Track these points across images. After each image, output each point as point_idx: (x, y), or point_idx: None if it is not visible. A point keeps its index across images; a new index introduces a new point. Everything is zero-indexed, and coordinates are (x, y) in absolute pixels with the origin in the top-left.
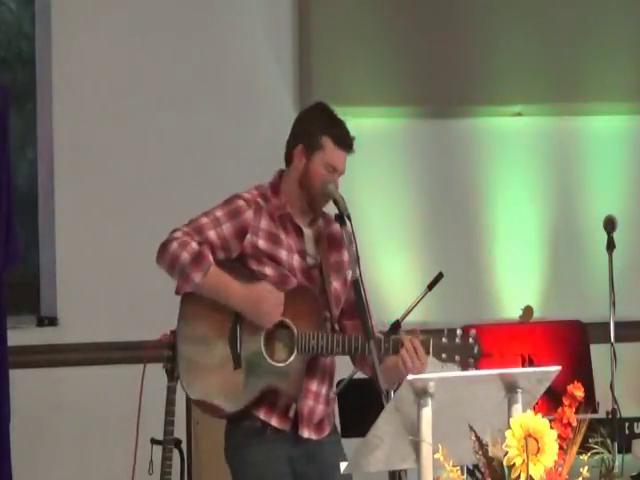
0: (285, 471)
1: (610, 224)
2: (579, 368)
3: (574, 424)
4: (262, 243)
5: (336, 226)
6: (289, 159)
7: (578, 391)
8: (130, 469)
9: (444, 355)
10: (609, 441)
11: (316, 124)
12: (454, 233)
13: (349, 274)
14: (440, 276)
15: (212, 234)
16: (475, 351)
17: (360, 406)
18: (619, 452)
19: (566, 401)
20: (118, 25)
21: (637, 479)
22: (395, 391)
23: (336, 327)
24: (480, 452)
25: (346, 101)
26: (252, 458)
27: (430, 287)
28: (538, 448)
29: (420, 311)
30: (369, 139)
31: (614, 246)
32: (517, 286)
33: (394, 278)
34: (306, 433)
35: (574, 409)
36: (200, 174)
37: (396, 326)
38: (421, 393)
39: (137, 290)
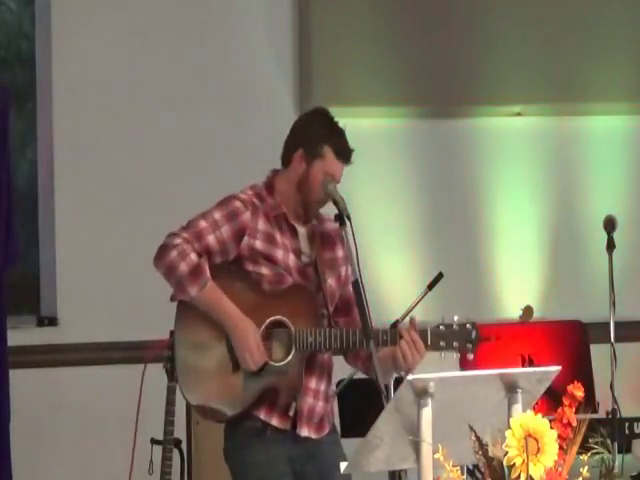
0: (285, 471)
1: (610, 224)
2: (579, 368)
3: (574, 424)
4: (259, 244)
5: (329, 224)
6: (287, 161)
7: (578, 391)
8: (129, 469)
9: (442, 343)
10: (609, 441)
11: (318, 131)
12: (454, 233)
13: (343, 271)
14: (440, 276)
15: (211, 239)
16: (473, 336)
17: (360, 406)
18: (619, 452)
19: (566, 401)
20: (118, 25)
21: (637, 479)
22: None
23: (332, 323)
24: (480, 452)
25: (346, 101)
26: (252, 458)
27: (430, 287)
28: (538, 448)
29: (420, 311)
30: (369, 139)
31: (614, 246)
32: (517, 286)
33: (394, 278)
34: (305, 431)
35: (574, 409)
36: (200, 174)
37: (396, 326)
38: (421, 393)
39: (137, 290)
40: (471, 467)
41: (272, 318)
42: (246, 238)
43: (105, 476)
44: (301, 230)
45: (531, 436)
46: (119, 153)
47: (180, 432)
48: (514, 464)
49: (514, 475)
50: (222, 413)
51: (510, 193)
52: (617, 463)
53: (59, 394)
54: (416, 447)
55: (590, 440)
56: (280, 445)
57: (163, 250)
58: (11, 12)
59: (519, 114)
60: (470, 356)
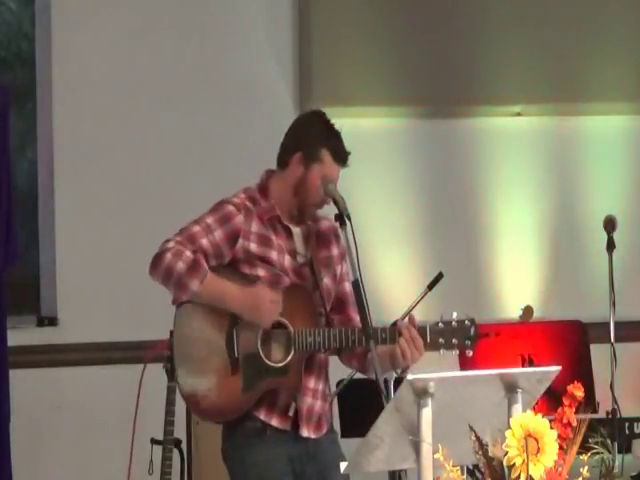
0: (285, 470)
1: (610, 224)
2: (579, 368)
3: (574, 424)
4: (254, 246)
5: (324, 222)
6: (284, 163)
7: (578, 391)
8: (131, 469)
9: (441, 340)
10: (609, 441)
11: (316, 134)
12: (454, 233)
13: (338, 269)
14: (440, 276)
15: (204, 242)
16: (472, 332)
17: (360, 406)
18: (619, 452)
19: (566, 401)
20: (118, 25)
21: (637, 479)
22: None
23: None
24: (480, 452)
25: (346, 101)
26: (252, 458)
27: (430, 287)
28: (538, 448)
29: (420, 311)
30: (369, 139)
31: (614, 246)
32: (517, 286)
33: (394, 278)
34: (305, 432)
35: (574, 409)
36: (200, 174)
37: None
38: (421, 393)
39: (137, 290)
40: (471, 467)
41: None
42: (240, 241)
43: (105, 476)
44: (295, 230)
45: (531, 436)
46: (119, 153)
47: (180, 432)
48: (514, 464)
49: (514, 475)
50: (222, 415)
51: (510, 193)
52: (617, 463)
53: (59, 394)
54: (416, 447)
55: (590, 440)
56: (280, 445)
57: (158, 258)
58: (11, 12)
59: (519, 114)
60: (469, 353)
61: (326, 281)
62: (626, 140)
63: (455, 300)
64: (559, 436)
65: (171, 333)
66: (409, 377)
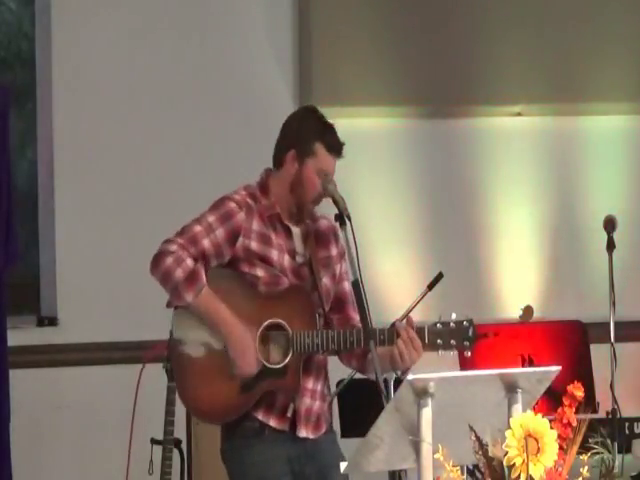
0: (284, 471)
1: (610, 224)
2: (579, 368)
3: (574, 424)
4: (254, 245)
5: (323, 222)
6: (279, 162)
7: (578, 391)
8: (131, 469)
9: (439, 340)
10: (609, 441)
11: (308, 129)
12: (454, 233)
13: (337, 269)
14: (440, 276)
15: (207, 243)
16: (470, 333)
17: (360, 406)
18: (619, 452)
19: (566, 401)
20: (118, 25)
21: (637, 479)
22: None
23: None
24: (480, 452)
25: (346, 101)
26: (251, 459)
27: (430, 287)
28: (538, 448)
29: (420, 311)
30: (369, 139)
31: (614, 246)
32: (517, 286)
33: (394, 278)
34: (304, 432)
35: (574, 409)
36: (200, 174)
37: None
38: (421, 393)
39: (137, 290)
40: (471, 467)
41: (269, 321)
42: (241, 239)
43: (105, 476)
44: (295, 230)
45: (531, 436)
46: (119, 153)
47: (180, 432)
48: (514, 464)
49: (514, 475)
50: (219, 416)
51: (510, 193)
52: (617, 463)
53: (59, 394)
54: (416, 447)
55: (590, 440)
56: (279, 445)
57: (159, 257)
58: (11, 12)
59: (519, 114)
60: (467, 354)
61: (325, 281)
62: (626, 140)
63: (455, 300)
64: (559, 436)
65: (171, 333)
66: (409, 377)
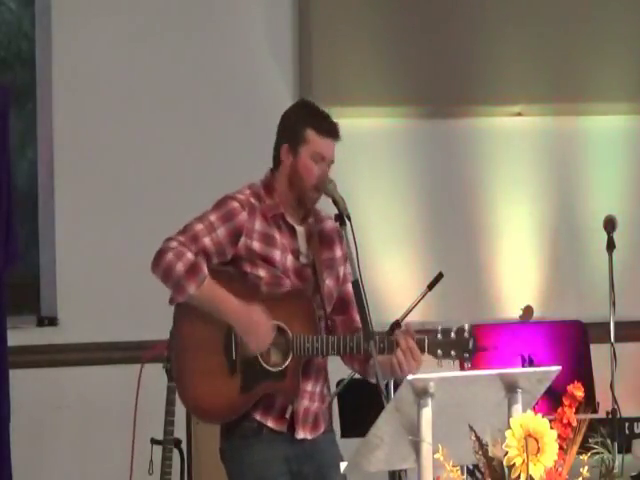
0: (282, 470)
1: (610, 224)
2: (579, 368)
3: (574, 424)
4: (256, 245)
5: (328, 223)
6: (277, 160)
7: (578, 391)
8: (129, 469)
9: (440, 351)
10: (609, 441)
11: (297, 119)
12: (454, 233)
13: (341, 270)
14: (440, 276)
15: (207, 241)
16: (470, 345)
17: (360, 406)
18: (619, 452)
19: (566, 401)
20: (118, 25)
21: (637, 479)
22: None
23: (329, 323)
24: (480, 452)
25: (346, 101)
26: (250, 459)
27: (430, 287)
28: (538, 448)
29: (420, 311)
30: (369, 139)
31: (614, 246)
32: (517, 286)
33: (394, 278)
34: (301, 434)
35: (574, 409)
36: (200, 174)
37: (396, 326)
38: (421, 393)
39: (137, 290)
40: (471, 467)
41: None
42: (243, 239)
43: (105, 476)
44: (299, 229)
45: (531, 436)
46: (119, 153)
47: (180, 432)
48: (514, 464)
49: (514, 475)
50: (218, 416)
51: (510, 193)
52: (617, 463)
53: (59, 394)
54: (416, 447)
55: (590, 440)
56: (276, 446)
57: (159, 255)
58: (11, 12)
59: (519, 114)
60: (468, 365)
61: (328, 282)
62: (626, 140)
63: (455, 300)
64: (559, 436)
65: (171, 333)
66: (409, 377)
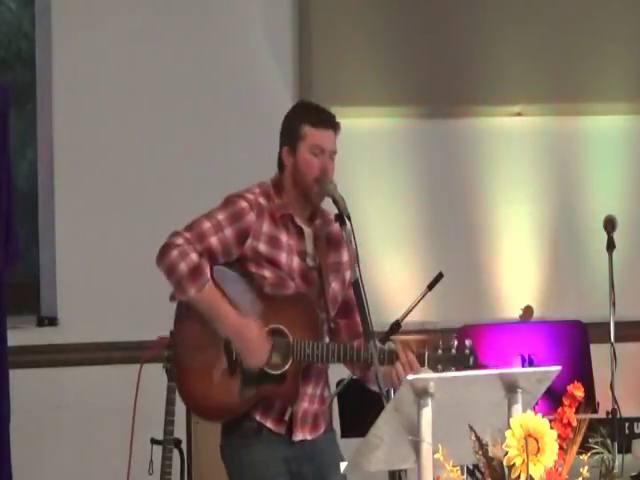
0: (281, 471)
1: (610, 224)
2: (579, 368)
3: (574, 424)
4: (263, 247)
5: (336, 226)
6: (281, 164)
7: (578, 391)
8: (131, 469)
9: (439, 367)
10: (609, 441)
11: (293, 119)
12: (454, 233)
13: (348, 274)
14: (440, 276)
15: (214, 240)
16: (471, 362)
17: (360, 406)
18: (619, 452)
19: (566, 401)
20: (118, 25)
21: (637, 479)
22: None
23: (332, 326)
24: (480, 452)
25: (346, 101)
26: (249, 458)
27: (430, 287)
28: (538, 448)
29: (420, 311)
30: (369, 139)
31: (614, 246)
32: (517, 286)
33: (394, 278)
34: (300, 436)
35: (574, 409)
36: (200, 174)
37: (396, 326)
38: (421, 393)
39: (137, 290)
40: (471, 467)
41: (272, 326)
42: (250, 240)
43: (105, 476)
44: (307, 230)
45: (531, 436)
46: (119, 153)
47: (180, 432)
48: (514, 464)
49: (514, 475)
50: (217, 415)
51: (510, 193)
52: (617, 463)
53: (59, 394)
54: (416, 447)
55: (590, 440)
56: (275, 446)
57: (165, 249)
58: (11, 12)
59: (519, 114)
60: None
61: (334, 286)
62: (626, 140)
63: (455, 300)
64: (559, 436)
65: (171, 333)
66: (409, 377)
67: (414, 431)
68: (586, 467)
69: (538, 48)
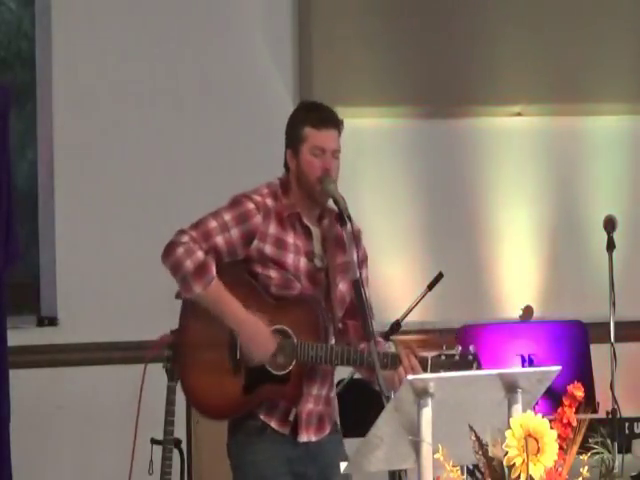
0: (284, 471)
1: (610, 224)
2: (579, 368)
3: (574, 424)
4: (269, 248)
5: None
6: (287, 167)
7: (578, 391)
8: (129, 469)
9: (442, 371)
10: (609, 441)
11: (296, 121)
12: (454, 233)
13: (357, 275)
14: (440, 276)
15: (219, 240)
16: (474, 368)
17: (360, 406)
18: (619, 452)
19: (566, 401)
20: (118, 25)
21: (637, 479)
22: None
23: (340, 327)
24: (480, 452)
25: (346, 101)
26: (253, 457)
27: (430, 287)
28: (538, 448)
29: (420, 311)
30: (369, 139)
31: (614, 246)
32: (517, 286)
33: (394, 278)
34: (305, 437)
35: (574, 409)
36: (200, 175)
37: (396, 326)
38: (421, 393)
39: (137, 290)
40: (471, 467)
41: (276, 327)
42: (256, 242)
43: (105, 476)
44: (315, 230)
45: (531, 436)
46: (119, 153)
47: (180, 432)
48: (514, 464)
49: (514, 475)
50: (221, 414)
51: (510, 193)
52: (617, 463)
53: (59, 394)
54: (416, 447)
55: (590, 440)
56: (279, 446)
57: (170, 247)
58: (11, 12)
59: (519, 114)
60: None
61: (341, 287)
62: (626, 140)
63: (455, 300)
64: (559, 436)
65: (171, 332)
66: (409, 377)
67: (414, 431)
68: (586, 467)
69: (538, 48)
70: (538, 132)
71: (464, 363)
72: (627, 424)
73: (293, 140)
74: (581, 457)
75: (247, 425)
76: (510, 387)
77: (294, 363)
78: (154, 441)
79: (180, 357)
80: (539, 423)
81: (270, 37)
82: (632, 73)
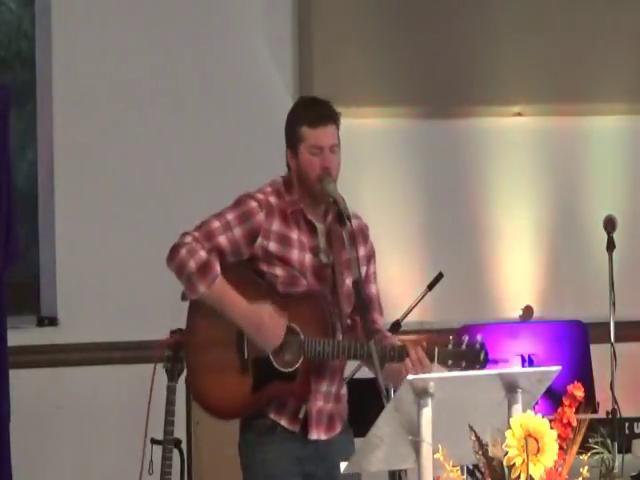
0: (294, 471)
1: (610, 224)
2: (579, 368)
3: (574, 424)
4: (273, 246)
5: (352, 222)
6: (288, 166)
7: (578, 391)
8: (130, 469)
9: (450, 362)
10: (609, 441)
11: (292, 121)
12: (454, 233)
13: (364, 270)
14: (440, 276)
15: (222, 239)
16: (481, 358)
17: (360, 406)
18: (619, 452)
19: (566, 401)
20: (118, 25)
21: (637, 479)
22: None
23: (348, 322)
24: (480, 452)
25: (346, 101)
26: (262, 456)
27: (430, 287)
28: (538, 448)
29: (420, 311)
30: (369, 139)
31: (614, 246)
32: (517, 286)
33: (394, 278)
34: (315, 435)
35: (574, 409)
36: (200, 175)
37: (396, 326)
38: (421, 393)
39: (137, 290)
40: (471, 467)
41: None
42: (259, 239)
43: (105, 476)
44: (320, 227)
45: (531, 436)
46: (119, 153)
47: (180, 432)
48: (514, 464)
49: (514, 475)
50: (230, 413)
51: (510, 193)
52: (617, 463)
53: (59, 394)
54: (416, 447)
55: (590, 440)
56: (289, 445)
57: (174, 250)
58: (11, 12)
59: (519, 114)
60: None
61: (348, 282)
62: (626, 140)
63: (455, 300)
64: (559, 436)
65: (171, 332)
66: (409, 377)
67: (414, 431)
68: (586, 467)
69: (538, 48)
70: (538, 132)
71: (472, 352)
72: (627, 424)
73: (291, 140)
74: (581, 457)
75: (257, 424)
76: (510, 387)
77: (302, 360)
78: (154, 441)
79: (188, 358)
80: (539, 423)
81: (270, 37)
82: (632, 73)
